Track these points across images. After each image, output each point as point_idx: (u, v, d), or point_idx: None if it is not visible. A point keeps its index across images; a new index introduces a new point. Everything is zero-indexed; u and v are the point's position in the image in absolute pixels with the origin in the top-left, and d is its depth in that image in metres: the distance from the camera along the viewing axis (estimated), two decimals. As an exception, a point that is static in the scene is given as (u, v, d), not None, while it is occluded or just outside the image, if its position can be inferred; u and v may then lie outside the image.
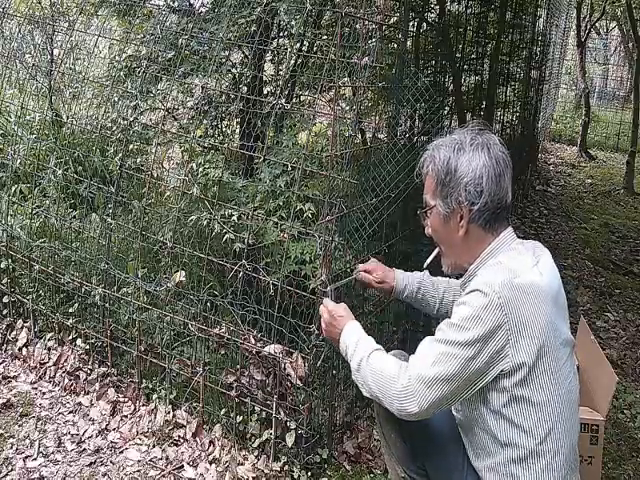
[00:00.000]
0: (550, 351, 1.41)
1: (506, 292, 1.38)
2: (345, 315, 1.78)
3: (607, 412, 2.14)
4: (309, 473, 2.33)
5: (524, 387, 1.41)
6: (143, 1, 2.91)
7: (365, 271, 2.04)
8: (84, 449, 2.50)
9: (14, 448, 2.48)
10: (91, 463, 2.43)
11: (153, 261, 2.84)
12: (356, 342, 1.64)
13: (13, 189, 3.31)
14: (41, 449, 2.49)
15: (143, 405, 2.67)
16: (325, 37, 3.11)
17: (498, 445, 1.48)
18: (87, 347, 2.87)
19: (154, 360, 2.65)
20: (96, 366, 2.84)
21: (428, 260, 1.76)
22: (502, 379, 1.42)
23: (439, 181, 1.54)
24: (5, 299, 3.14)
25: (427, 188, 1.60)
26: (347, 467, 2.44)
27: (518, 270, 1.43)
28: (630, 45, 13.30)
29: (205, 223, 2.51)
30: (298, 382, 2.26)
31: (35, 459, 2.43)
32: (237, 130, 3.12)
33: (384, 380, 1.50)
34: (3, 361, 3.01)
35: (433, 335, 1.51)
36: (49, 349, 2.97)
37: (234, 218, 2.44)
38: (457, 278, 1.82)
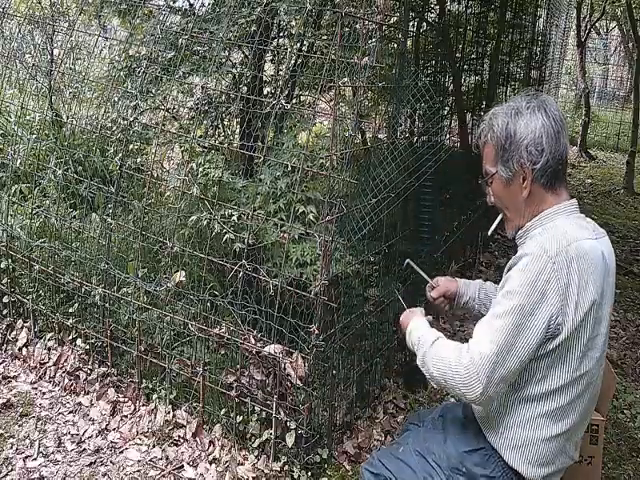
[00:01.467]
0: (589, 321, 1.44)
1: (561, 258, 1.40)
2: (413, 313, 1.76)
3: (607, 412, 2.14)
4: (309, 473, 2.33)
5: (561, 349, 1.44)
6: (143, 1, 2.91)
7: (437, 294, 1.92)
8: (84, 449, 2.50)
9: (14, 448, 2.48)
10: (91, 463, 2.43)
11: (153, 261, 2.84)
12: (419, 337, 1.62)
13: (13, 189, 3.31)
14: (41, 449, 2.49)
15: (143, 405, 2.67)
16: (325, 37, 3.11)
17: (534, 399, 1.51)
18: (87, 347, 2.87)
19: (154, 360, 2.65)
20: (96, 366, 2.84)
21: (492, 227, 1.76)
22: (544, 344, 1.45)
23: (499, 147, 1.55)
24: (5, 299, 3.14)
25: (487, 157, 1.61)
26: (347, 467, 2.44)
27: (574, 237, 1.45)
28: (630, 45, 13.29)
29: (205, 223, 2.51)
30: (298, 382, 2.26)
31: (35, 459, 2.43)
32: (237, 130, 3.12)
33: (446, 367, 1.48)
34: (3, 361, 3.01)
35: None
36: (49, 349, 2.97)
37: (234, 218, 2.44)
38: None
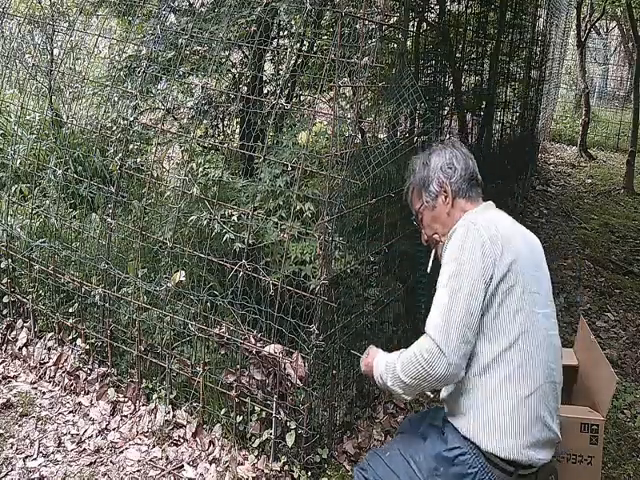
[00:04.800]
0: (522, 272, 1.57)
1: (480, 221, 1.62)
2: (372, 353, 1.84)
3: (607, 412, 2.14)
4: (309, 473, 2.33)
5: (495, 296, 1.55)
6: (143, 1, 2.91)
7: None
8: (84, 449, 2.50)
9: (14, 448, 2.48)
10: (91, 463, 2.43)
11: (153, 261, 2.84)
12: (385, 364, 1.69)
13: (13, 189, 3.31)
14: (41, 449, 2.49)
15: (143, 405, 2.67)
16: (325, 37, 3.11)
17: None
18: (87, 347, 2.87)
19: (154, 360, 2.65)
20: (96, 366, 2.84)
21: (429, 265, 1.90)
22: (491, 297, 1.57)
23: (420, 184, 1.83)
24: (5, 299, 3.14)
25: (414, 200, 1.87)
26: (347, 467, 2.44)
27: (493, 216, 1.71)
28: (630, 45, 13.30)
29: (205, 223, 2.51)
30: (298, 382, 2.26)
31: (35, 459, 2.43)
32: (237, 130, 3.12)
33: (413, 363, 1.55)
34: (3, 361, 3.01)
35: None
36: (49, 349, 2.97)
37: (234, 218, 2.44)
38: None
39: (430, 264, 1.89)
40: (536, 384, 1.55)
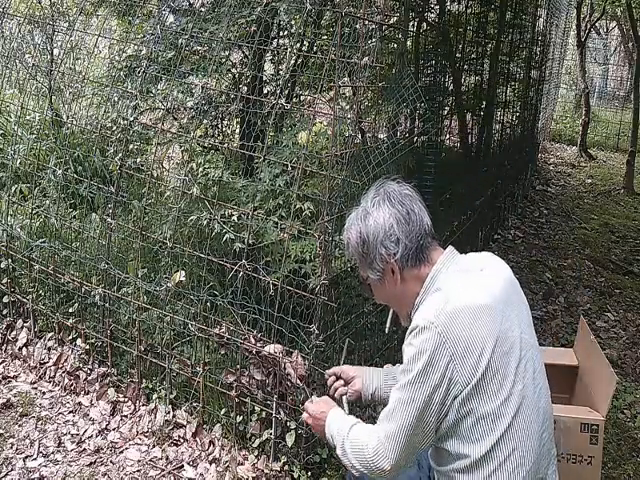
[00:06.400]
0: (493, 363, 1.41)
1: (442, 319, 1.41)
2: (325, 409, 1.76)
3: (607, 412, 2.14)
4: (309, 473, 2.33)
5: (469, 403, 1.41)
6: (143, 1, 2.91)
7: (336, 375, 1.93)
8: (84, 449, 2.50)
9: (14, 448, 2.48)
10: (91, 463, 2.43)
11: (153, 261, 2.84)
12: (337, 429, 1.63)
13: (13, 189, 3.31)
14: (41, 449, 2.49)
15: (143, 405, 2.68)
16: (325, 37, 3.11)
17: (450, 457, 1.49)
18: (87, 347, 2.87)
19: (154, 360, 2.65)
20: (96, 366, 2.84)
21: (387, 325, 1.81)
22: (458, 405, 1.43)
23: (360, 255, 1.58)
24: (5, 299, 3.14)
25: (360, 269, 1.65)
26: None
27: (452, 293, 1.46)
28: (630, 45, 13.31)
29: (205, 223, 2.51)
30: (298, 382, 2.26)
31: (35, 459, 2.43)
32: (237, 130, 3.12)
33: (360, 451, 1.51)
34: (3, 361, 3.01)
35: None
36: (49, 349, 2.97)
37: (234, 218, 2.44)
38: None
39: (388, 324, 1.79)
40: (527, 466, 1.45)
